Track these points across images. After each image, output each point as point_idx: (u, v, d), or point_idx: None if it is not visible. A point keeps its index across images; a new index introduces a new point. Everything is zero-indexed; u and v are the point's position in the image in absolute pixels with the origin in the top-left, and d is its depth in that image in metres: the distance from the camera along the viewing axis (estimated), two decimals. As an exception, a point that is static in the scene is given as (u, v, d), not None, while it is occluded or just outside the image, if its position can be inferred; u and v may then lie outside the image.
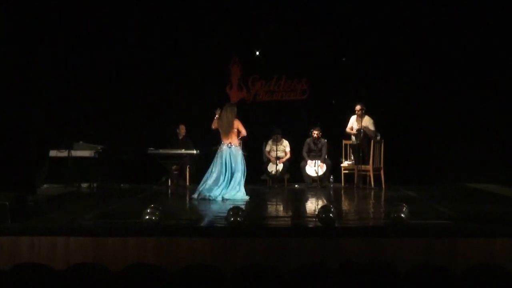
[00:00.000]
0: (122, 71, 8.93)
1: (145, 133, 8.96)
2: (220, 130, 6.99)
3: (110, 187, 7.98)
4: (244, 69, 9.49)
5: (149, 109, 9.10)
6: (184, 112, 9.14)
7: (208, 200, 6.69)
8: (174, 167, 8.67)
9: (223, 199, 6.71)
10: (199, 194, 6.87)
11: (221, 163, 6.90)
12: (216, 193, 6.83)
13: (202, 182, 6.96)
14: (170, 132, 8.98)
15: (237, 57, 9.46)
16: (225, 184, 6.87)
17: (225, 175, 6.89)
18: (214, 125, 6.99)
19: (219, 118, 6.94)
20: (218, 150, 6.99)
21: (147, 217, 4.41)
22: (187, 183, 8.75)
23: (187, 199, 7.26)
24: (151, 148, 8.56)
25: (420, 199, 6.81)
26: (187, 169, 8.77)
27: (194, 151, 8.60)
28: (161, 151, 8.57)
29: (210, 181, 6.90)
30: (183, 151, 8.59)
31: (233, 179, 6.91)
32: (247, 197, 6.90)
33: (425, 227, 4.51)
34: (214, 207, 6.14)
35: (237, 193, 6.83)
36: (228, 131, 6.95)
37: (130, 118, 8.95)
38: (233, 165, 6.93)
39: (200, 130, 8.74)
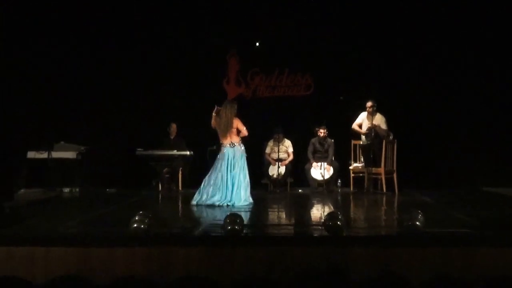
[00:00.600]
0: (107, 65, 8.95)
1: (133, 133, 8.96)
2: (218, 129, 6.97)
3: (94, 192, 7.98)
4: (242, 62, 9.52)
5: (138, 106, 9.10)
6: (176, 109, 9.15)
7: (204, 206, 6.71)
8: (165, 169, 8.68)
9: (227, 205, 6.73)
10: (199, 201, 6.87)
11: (224, 166, 6.89)
12: (220, 198, 6.84)
13: (202, 188, 6.94)
14: (161, 131, 8.99)
15: (235, 49, 9.48)
16: (229, 189, 6.88)
17: (227, 178, 6.86)
18: (213, 124, 7.00)
19: (217, 116, 6.93)
20: (219, 154, 6.98)
21: (135, 225, 4.41)
22: (180, 188, 8.75)
23: (180, 205, 7.24)
24: (140, 149, 8.56)
25: (436, 205, 6.81)
26: (180, 172, 8.76)
27: (187, 152, 8.60)
28: (150, 152, 8.59)
29: (211, 187, 6.89)
30: (175, 152, 8.60)
31: (238, 182, 6.94)
32: (251, 201, 6.95)
33: (442, 235, 4.54)
34: (210, 214, 6.13)
35: (243, 198, 6.87)
36: (227, 130, 6.95)
37: (116, 116, 8.95)
38: (236, 166, 6.94)
39: (194, 129, 8.75)
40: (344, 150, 8.90)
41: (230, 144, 6.94)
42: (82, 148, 8.29)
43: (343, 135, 8.84)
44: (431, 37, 8.78)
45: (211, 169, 6.99)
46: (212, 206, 6.72)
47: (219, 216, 5.75)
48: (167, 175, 8.72)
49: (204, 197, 6.87)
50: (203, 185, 6.94)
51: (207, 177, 6.98)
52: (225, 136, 6.95)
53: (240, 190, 6.91)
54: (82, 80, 8.86)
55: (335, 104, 9.21)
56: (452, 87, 8.73)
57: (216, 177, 6.89)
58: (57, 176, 8.05)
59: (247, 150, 7.48)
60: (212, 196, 6.80)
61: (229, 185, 6.84)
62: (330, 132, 8.78)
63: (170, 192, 8.56)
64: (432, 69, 8.86)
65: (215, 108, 7.00)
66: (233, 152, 6.92)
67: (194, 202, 6.87)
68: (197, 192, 6.98)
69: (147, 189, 8.55)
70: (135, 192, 8.17)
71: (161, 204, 7.47)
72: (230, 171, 6.90)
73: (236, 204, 6.77)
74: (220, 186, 6.82)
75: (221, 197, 6.82)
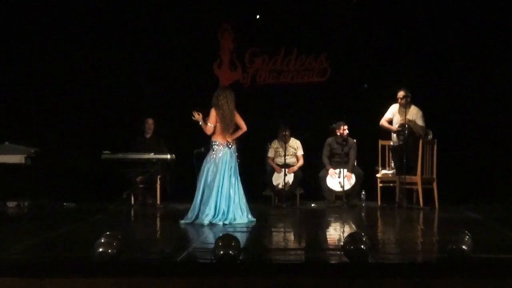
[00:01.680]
0: (64, 47, 8.99)
1: (98, 131, 8.98)
2: (222, 125, 6.92)
3: (48, 207, 7.99)
4: (239, 40, 9.50)
5: (104, 97, 9.11)
6: (152, 101, 9.17)
7: (190, 225, 6.74)
8: (139, 178, 8.70)
9: (223, 223, 6.74)
10: (192, 219, 6.85)
11: (220, 172, 6.87)
12: (214, 214, 6.81)
13: (195, 201, 6.91)
14: (133, 129, 9.00)
15: (229, 23, 9.49)
16: (226, 201, 6.86)
17: (223, 188, 6.85)
18: (213, 121, 6.89)
19: (217, 109, 6.89)
20: (212, 154, 6.92)
21: (101, 249, 4.40)
22: (158, 201, 8.76)
23: (158, 223, 7.22)
24: (106, 152, 8.57)
25: (486, 223, 6.84)
26: (158, 181, 8.77)
27: (168, 156, 8.62)
28: (120, 155, 8.59)
29: (202, 200, 6.87)
30: (151, 155, 8.62)
31: (238, 192, 6.94)
32: (253, 219, 6.96)
33: (494, 262, 4.56)
34: (197, 235, 6.15)
35: (243, 213, 6.91)
36: (231, 125, 6.95)
37: (76, 110, 8.96)
38: (234, 172, 6.95)
39: (176, 126, 8.75)
40: (369, 153, 8.91)
41: (228, 144, 6.96)
42: (32, 150, 8.28)
43: (368, 133, 8.85)
44: (481, 7, 8.83)
45: (200, 177, 6.96)
46: (201, 224, 6.74)
47: (209, 237, 5.76)
48: (141, 185, 8.73)
49: (196, 213, 6.87)
50: (196, 198, 6.92)
51: (199, 189, 6.95)
52: (228, 133, 6.95)
53: (240, 202, 6.94)
54: (32, 67, 8.92)
55: (358, 94, 9.20)
56: (502, 79, 8.76)
57: (209, 186, 6.87)
58: (0, 186, 8.04)
59: (244, 152, 7.57)
60: (205, 213, 6.81)
61: (226, 197, 6.87)
62: (351, 130, 8.77)
63: (146, 207, 8.58)
64: (483, 50, 8.87)
65: (200, 117, 6.93)
66: (230, 154, 6.95)
67: (184, 221, 6.84)
68: (190, 210, 6.94)
69: (116, 203, 8.54)
70: (100, 207, 8.20)
71: (133, 223, 7.48)
72: (229, 178, 6.91)
73: (237, 221, 6.81)
74: (215, 198, 6.83)
75: (216, 212, 6.83)
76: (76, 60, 9.06)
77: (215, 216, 6.79)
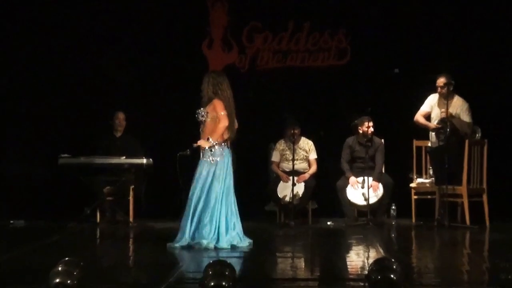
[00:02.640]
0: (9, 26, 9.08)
1: (54, 129, 8.97)
2: (230, 120, 6.97)
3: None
4: (234, 13, 9.49)
5: (61, 86, 9.09)
6: (123, 91, 9.18)
7: (174, 249, 6.74)
8: (107, 188, 8.70)
9: (215, 247, 6.78)
10: (187, 241, 6.83)
11: (221, 179, 6.90)
12: (210, 233, 6.83)
13: (187, 219, 6.90)
14: (100, 126, 9.01)
15: (222, -9, 9.53)
16: (223, 218, 6.89)
17: (222, 200, 6.92)
18: (226, 119, 6.87)
19: (224, 103, 6.89)
20: (208, 156, 6.91)
21: (58, 279, 4.35)
22: (131, 218, 8.76)
23: (131, 246, 7.20)
24: (65, 155, 8.56)
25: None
26: (131, 193, 8.78)
27: (144, 160, 8.60)
28: (82, 159, 8.59)
29: (202, 216, 6.87)
30: (122, 159, 8.61)
31: (234, 205, 6.98)
32: (250, 241, 6.98)
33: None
34: (181, 261, 6.16)
35: (241, 232, 6.97)
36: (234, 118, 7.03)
37: (25, 103, 8.97)
38: (229, 179, 7.00)
39: (154, 122, 8.78)
40: (401, 157, 8.90)
41: (228, 145, 7.03)
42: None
43: (400, 131, 8.83)
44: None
45: (195, 183, 6.93)
46: (189, 247, 6.75)
47: (196, 264, 5.74)
48: (109, 198, 8.72)
49: (187, 234, 6.87)
50: (187, 214, 6.90)
51: (192, 199, 6.93)
52: (232, 129, 7.02)
53: (237, 218, 6.98)
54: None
55: (386, 81, 9.17)
56: None
57: (206, 198, 6.88)
58: None
59: (241, 156, 7.62)
60: (201, 234, 6.83)
61: (224, 211, 6.92)
62: (377, 127, 8.74)
63: (115, 225, 8.55)
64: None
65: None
66: (230, 156, 7.04)
67: (174, 244, 6.83)
68: (182, 228, 6.92)
69: (78, 220, 8.47)
70: (57, 226, 8.16)
71: (100, 246, 7.47)
72: (228, 188, 6.96)
73: (236, 243, 6.84)
74: (215, 213, 6.87)
75: (210, 231, 6.86)
76: (21, 39, 9.13)
77: (211, 235, 6.81)
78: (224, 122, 6.83)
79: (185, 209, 6.93)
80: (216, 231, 6.83)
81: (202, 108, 6.89)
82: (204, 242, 6.73)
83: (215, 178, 6.87)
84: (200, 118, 6.90)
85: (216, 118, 6.85)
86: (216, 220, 6.84)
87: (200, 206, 6.85)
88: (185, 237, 6.82)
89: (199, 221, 6.84)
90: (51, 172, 8.67)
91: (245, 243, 6.91)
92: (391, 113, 8.94)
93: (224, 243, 6.77)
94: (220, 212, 6.86)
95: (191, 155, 7.21)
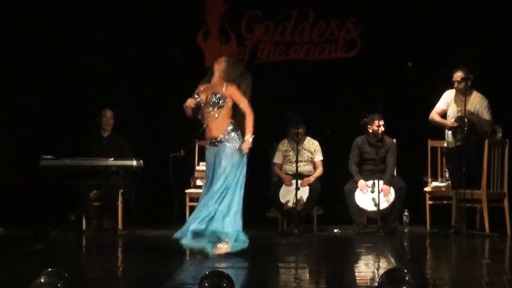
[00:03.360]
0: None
1: (36, 128, 8.98)
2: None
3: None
4: (232, 0, 9.47)
5: (43, 82, 9.12)
6: (111, 87, 9.14)
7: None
8: (93, 192, 8.58)
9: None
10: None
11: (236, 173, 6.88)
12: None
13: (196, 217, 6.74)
14: (85, 124, 8.95)
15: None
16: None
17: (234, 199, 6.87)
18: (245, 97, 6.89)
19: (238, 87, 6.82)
20: (235, 145, 6.79)
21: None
22: (120, 225, 8.68)
23: (120, 255, 7.23)
24: (47, 156, 8.44)
25: None
26: (120, 197, 8.68)
27: (133, 162, 8.46)
28: (66, 161, 8.48)
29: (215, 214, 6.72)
30: (110, 161, 8.48)
31: (229, 206, 6.80)
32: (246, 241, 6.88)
33: None
34: (174, 271, 6.01)
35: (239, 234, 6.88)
36: None
37: (6, 99, 8.97)
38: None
39: (145, 121, 8.80)
40: (414, 158, 8.85)
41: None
42: None
43: (413, 131, 8.78)
44: None
45: (208, 176, 6.84)
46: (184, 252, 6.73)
47: (191, 275, 5.73)
48: (96, 203, 8.63)
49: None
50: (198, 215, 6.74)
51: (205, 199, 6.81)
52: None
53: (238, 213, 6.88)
54: None
55: (399, 75, 9.14)
56: None
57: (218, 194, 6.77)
58: None
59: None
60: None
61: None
62: (389, 126, 8.61)
63: (102, 233, 8.47)
64: None
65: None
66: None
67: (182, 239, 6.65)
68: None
69: (62, 227, 8.39)
70: (39, 234, 8.08)
71: (85, 255, 7.46)
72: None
73: (236, 246, 6.74)
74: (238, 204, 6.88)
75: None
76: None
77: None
78: (252, 112, 6.77)
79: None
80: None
81: (218, 92, 6.70)
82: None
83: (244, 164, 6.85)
84: (221, 102, 6.70)
85: (231, 106, 6.74)
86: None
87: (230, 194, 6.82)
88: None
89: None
90: (32, 175, 8.65)
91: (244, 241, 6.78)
92: (404, 111, 8.93)
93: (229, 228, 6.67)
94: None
95: (184, 156, 7.35)
